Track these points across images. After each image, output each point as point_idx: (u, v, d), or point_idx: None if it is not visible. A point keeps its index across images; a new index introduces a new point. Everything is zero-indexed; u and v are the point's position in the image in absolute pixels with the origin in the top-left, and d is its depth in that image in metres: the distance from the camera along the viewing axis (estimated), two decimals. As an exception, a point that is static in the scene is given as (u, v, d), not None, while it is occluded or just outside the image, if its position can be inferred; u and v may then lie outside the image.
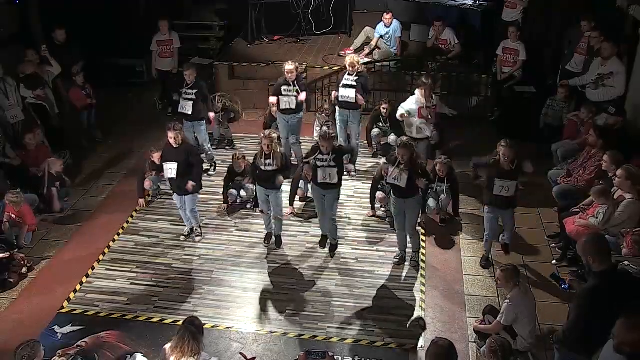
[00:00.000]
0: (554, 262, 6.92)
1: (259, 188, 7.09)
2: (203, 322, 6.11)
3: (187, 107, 8.36)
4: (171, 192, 7.45)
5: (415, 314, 6.30)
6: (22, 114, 8.65)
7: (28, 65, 8.84)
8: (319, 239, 7.40)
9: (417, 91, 7.97)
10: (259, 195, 7.18)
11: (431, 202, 7.64)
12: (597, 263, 4.45)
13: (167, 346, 4.60)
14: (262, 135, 6.87)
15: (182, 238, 7.50)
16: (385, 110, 8.97)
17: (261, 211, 7.30)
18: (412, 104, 7.92)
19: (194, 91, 8.33)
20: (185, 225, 7.54)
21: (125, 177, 8.83)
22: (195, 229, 7.48)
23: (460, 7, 11.19)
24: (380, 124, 9.17)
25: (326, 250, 7.27)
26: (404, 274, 6.89)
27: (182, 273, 6.93)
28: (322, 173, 6.77)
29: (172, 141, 6.89)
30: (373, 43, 10.95)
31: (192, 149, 7.22)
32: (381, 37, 10.87)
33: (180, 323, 6.09)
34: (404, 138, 6.89)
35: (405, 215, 6.77)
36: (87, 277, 6.87)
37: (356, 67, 8.25)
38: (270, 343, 5.97)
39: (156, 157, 7.69)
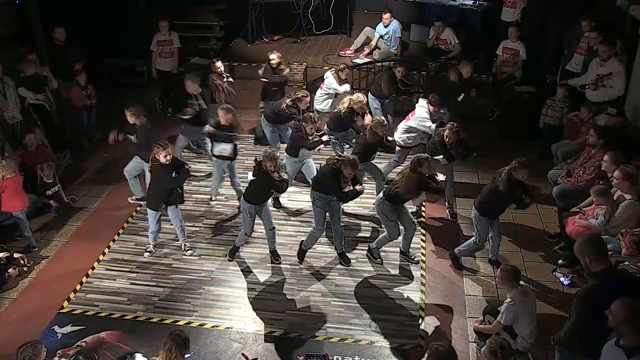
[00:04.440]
0: (560, 261, 6.90)
1: (248, 206, 6.76)
2: (203, 322, 6.18)
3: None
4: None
5: (415, 314, 6.31)
6: (20, 114, 8.63)
7: (30, 65, 8.76)
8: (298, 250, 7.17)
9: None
10: (248, 216, 6.83)
11: None
12: (594, 263, 4.45)
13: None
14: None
15: (146, 255, 7.19)
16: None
17: (246, 234, 7.00)
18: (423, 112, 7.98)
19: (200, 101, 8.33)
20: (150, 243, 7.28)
21: (125, 177, 8.80)
22: (184, 243, 7.25)
23: (460, 7, 11.22)
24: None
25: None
26: (403, 274, 6.89)
27: (182, 273, 6.93)
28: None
29: (163, 159, 6.62)
30: (373, 43, 10.98)
31: (180, 161, 7.13)
32: (381, 37, 10.89)
33: (180, 323, 6.15)
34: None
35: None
36: (87, 277, 6.87)
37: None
38: (270, 343, 5.96)
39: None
